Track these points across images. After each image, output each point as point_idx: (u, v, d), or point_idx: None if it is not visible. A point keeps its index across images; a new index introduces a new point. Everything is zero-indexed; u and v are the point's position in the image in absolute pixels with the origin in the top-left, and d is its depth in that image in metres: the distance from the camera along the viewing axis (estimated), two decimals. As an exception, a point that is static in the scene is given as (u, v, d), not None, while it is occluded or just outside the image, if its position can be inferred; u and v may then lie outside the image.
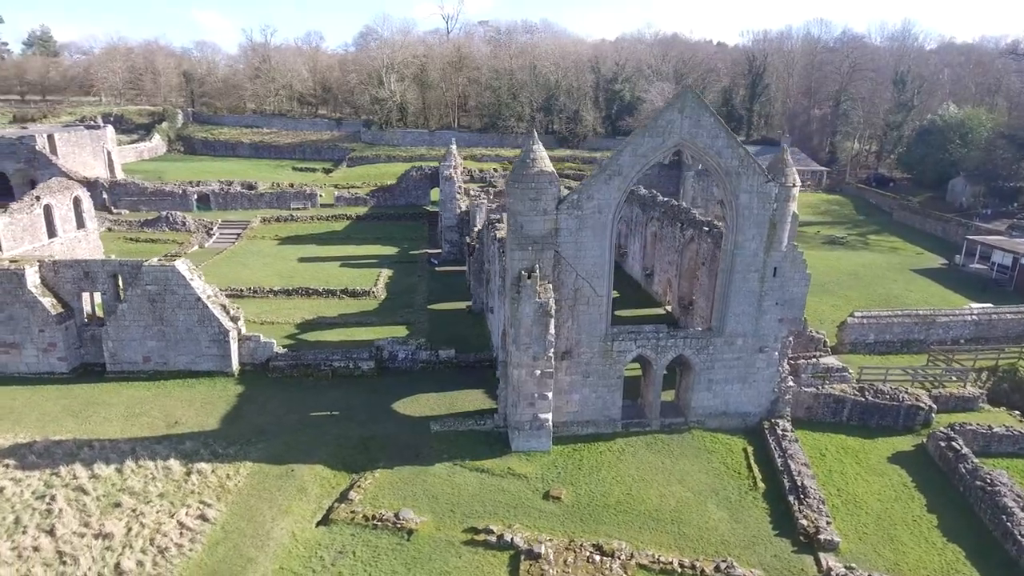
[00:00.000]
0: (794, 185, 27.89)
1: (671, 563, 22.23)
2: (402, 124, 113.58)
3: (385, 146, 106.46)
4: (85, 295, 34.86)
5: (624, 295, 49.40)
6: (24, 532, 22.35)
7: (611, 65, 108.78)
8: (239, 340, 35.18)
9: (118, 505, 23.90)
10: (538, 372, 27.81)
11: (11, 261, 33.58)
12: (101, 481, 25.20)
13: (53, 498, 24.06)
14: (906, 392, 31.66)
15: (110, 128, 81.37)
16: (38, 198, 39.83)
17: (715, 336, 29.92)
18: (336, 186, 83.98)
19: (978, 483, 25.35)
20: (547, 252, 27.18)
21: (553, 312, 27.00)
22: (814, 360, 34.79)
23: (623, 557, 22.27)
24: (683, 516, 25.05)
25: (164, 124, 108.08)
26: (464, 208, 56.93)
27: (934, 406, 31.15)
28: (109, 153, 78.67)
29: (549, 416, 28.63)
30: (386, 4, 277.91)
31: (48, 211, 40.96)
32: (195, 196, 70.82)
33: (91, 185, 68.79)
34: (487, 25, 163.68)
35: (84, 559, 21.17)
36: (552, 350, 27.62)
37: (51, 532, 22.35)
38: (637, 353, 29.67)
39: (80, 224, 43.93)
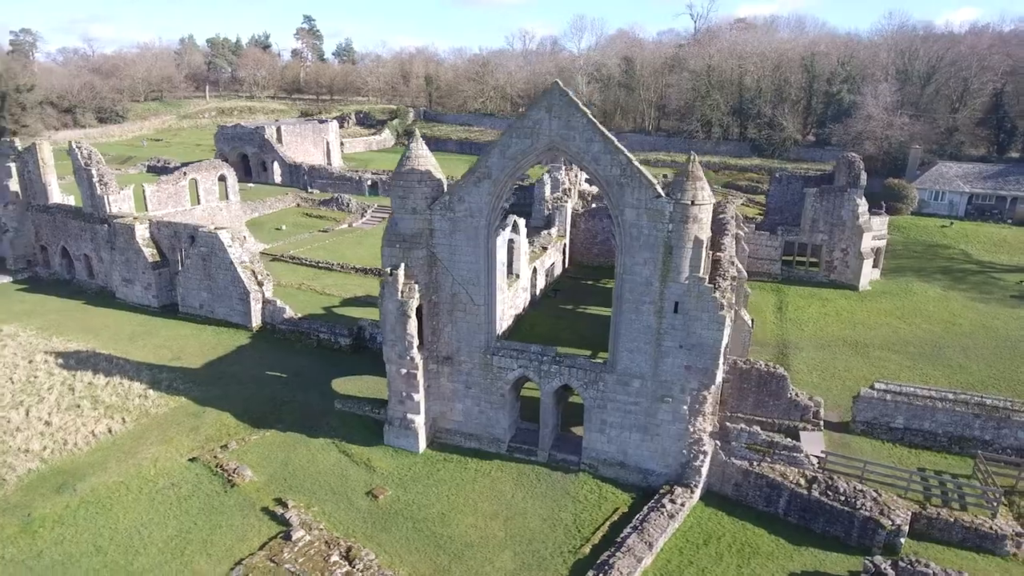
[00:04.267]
0: (693, 203, 22.67)
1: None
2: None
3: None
4: (179, 250, 44.59)
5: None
6: (17, 409, 30.69)
7: (832, 64, 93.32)
8: (262, 302, 41.35)
9: (78, 406, 31.11)
10: (403, 371, 27.71)
11: (134, 217, 44.74)
12: (87, 387, 32.91)
13: (52, 391, 32.35)
14: (873, 499, 23.19)
15: (333, 123, 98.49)
16: (185, 173, 51.88)
17: (606, 372, 25.93)
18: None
19: (844, 638, 17.96)
20: (417, 251, 26.80)
21: (411, 312, 26.62)
22: (752, 428, 27.44)
23: (359, 567, 21.61)
24: (469, 553, 22.91)
25: (395, 121, 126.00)
26: (550, 210, 56.28)
27: (903, 527, 22.29)
28: (328, 143, 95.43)
29: (417, 418, 28.26)
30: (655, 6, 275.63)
31: (194, 184, 52.94)
32: (368, 182, 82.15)
33: (296, 168, 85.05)
34: (743, 23, 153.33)
35: (21, 435, 28.42)
36: (414, 351, 27.28)
37: (27, 413, 30.31)
38: (520, 373, 27.37)
39: (224, 196, 55.61)
